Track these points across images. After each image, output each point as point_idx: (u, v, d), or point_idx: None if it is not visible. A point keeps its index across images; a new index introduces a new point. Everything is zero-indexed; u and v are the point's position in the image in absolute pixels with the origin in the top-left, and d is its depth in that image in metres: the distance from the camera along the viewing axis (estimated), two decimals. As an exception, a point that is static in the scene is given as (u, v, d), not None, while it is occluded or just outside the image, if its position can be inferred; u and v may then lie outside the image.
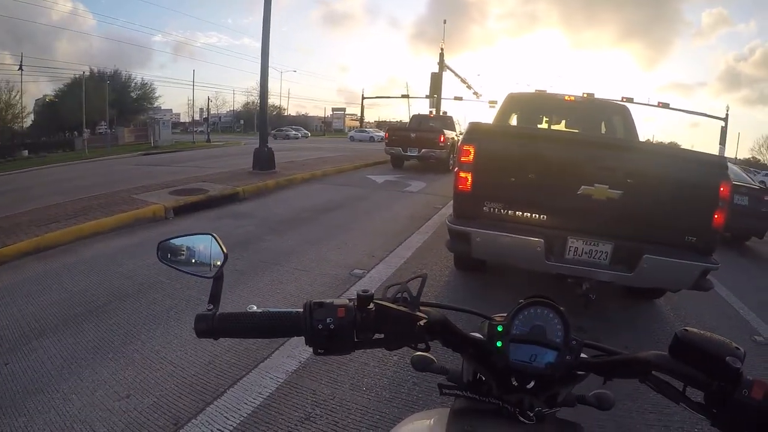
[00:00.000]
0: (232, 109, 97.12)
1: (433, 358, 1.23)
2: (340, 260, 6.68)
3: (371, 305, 1.00)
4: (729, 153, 55.53)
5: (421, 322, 1.00)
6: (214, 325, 1.06)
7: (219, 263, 1.13)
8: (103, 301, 5.17)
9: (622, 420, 3.39)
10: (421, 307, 1.06)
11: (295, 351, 3.99)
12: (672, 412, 3.42)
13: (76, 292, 5.49)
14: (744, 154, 79.61)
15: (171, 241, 1.20)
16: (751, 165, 52.35)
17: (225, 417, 3.18)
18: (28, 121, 60.18)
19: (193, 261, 1.18)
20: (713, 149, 42.43)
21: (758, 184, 12.14)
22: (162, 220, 9.21)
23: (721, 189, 4.32)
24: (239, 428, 3.09)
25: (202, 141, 47.55)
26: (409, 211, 10.51)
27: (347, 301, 1.01)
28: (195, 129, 61.28)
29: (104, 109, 50.49)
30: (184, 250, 1.19)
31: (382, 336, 1.03)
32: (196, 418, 3.17)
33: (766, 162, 66.60)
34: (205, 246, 1.16)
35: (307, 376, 3.72)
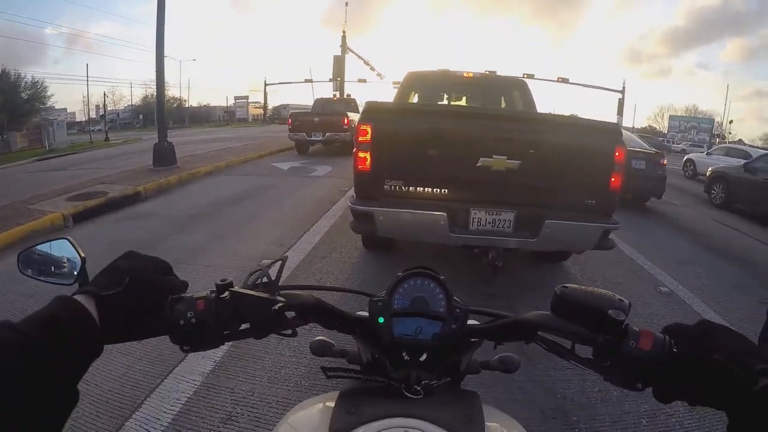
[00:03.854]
0: (130, 103, 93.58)
1: (332, 343, 1.24)
2: (249, 252, 6.59)
3: (226, 294, 0.96)
4: (627, 123, 58.57)
5: (276, 306, 0.96)
6: None
7: (76, 267, 1.08)
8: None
9: (541, 379, 3.51)
10: (286, 291, 1.04)
11: (209, 351, 3.89)
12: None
13: (-28, 315, 5.20)
14: (641, 123, 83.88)
15: (29, 250, 1.14)
16: (648, 133, 55.09)
17: (146, 430, 3.09)
18: None
19: (54, 269, 1.12)
20: (612, 120, 44.45)
21: (653, 149, 12.79)
22: (61, 229, 8.81)
23: (616, 153, 4.53)
24: (161, 438, 3.02)
25: (100, 140, 45.67)
26: (315, 196, 10.49)
27: (208, 292, 0.98)
28: (92, 128, 58.70)
29: (-8, 113, 47.83)
30: (44, 259, 1.13)
31: (248, 325, 1.00)
32: (115, 435, 3.06)
33: (661, 130, 70.33)
34: (65, 252, 1.10)
35: (223, 375, 3.66)
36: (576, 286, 0.96)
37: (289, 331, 1.01)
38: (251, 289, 0.99)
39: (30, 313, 0.73)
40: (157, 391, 3.50)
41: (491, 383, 3.34)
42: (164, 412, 3.26)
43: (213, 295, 0.97)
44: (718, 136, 60.37)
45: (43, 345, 0.66)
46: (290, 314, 1.02)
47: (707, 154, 22.44)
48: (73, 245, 1.10)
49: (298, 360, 3.83)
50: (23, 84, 62.73)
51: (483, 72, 10.57)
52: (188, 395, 3.44)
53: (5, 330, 0.66)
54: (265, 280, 1.02)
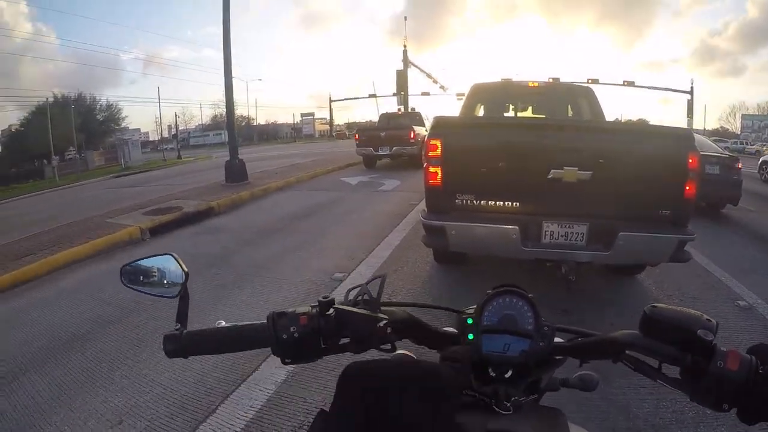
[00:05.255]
0: (200, 122, 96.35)
1: (413, 356, 1.25)
2: (320, 265, 6.66)
3: (331, 310, 1.00)
4: (697, 125, 56.10)
5: (381, 323, 1.00)
6: (183, 344, 1.06)
7: (180, 282, 1.13)
8: (87, 330, 5.11)
9: (615, 398, 3.43)
10: (384, 308, 1.07)
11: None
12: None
13: (59, 323, 5.42)
14: (713, 124, 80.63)
15: (132, 264, 1.20)
16: (719, 135, 52.85)
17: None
18: (-5, 153, 59.45)
19: (156, 282, 1.17)
20: (682, 123, 42.87)
21: (727, 153, 12.31)
22: (139, 241, 9.12)
23: (690, 160, 4.38)
24: (234, 445, 3.07)
25: (173, 158, 47.08)
26: (385, 211, 10.52)
27: (309, 308, 1.01)
28: (165, 146, 60.62)
29: (71, 134, 49.83)
30: (146, 273, 1.19)
31: (348, 340, 1.03)
32: (188, 439, 3.14)
33: (734, 131, 67.34)
34: (167, 266, 1.16)
35: (296, 384, 3.71)
36: (664, 305, 0.96)
37: (389, 346, 1.05)
38: (353, 306, 1.03)
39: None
40: (231, 397, 3.58)
41: (565, 400, 3.27)
42: (237, 418, 3.34)
43: (315, 310, 1.00)
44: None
45: None
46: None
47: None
48: (177, 260, 1.16)
49: (371, 373, 3.81)
50: (99, 106, 65.88)
51: (547, 80, 10.45)
52: (261, 403, 3.50)
53: None
54: (366, 297, 1.05)
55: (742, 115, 65.92)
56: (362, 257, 6.98)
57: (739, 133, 60.30)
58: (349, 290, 1.09)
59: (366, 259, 6.91)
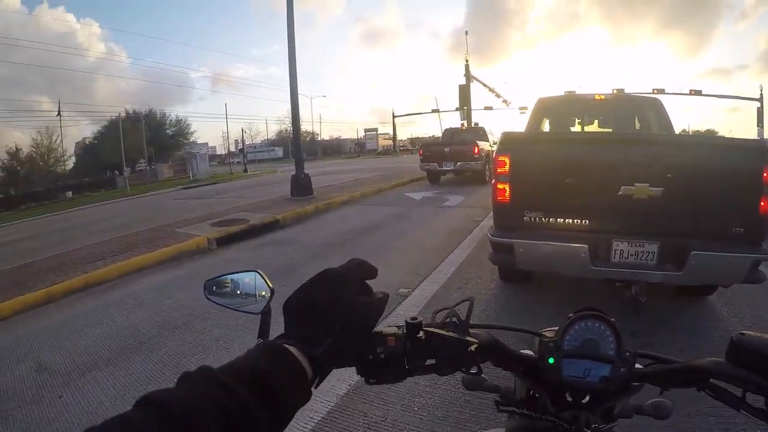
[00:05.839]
0: (266, 137, 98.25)
1: (485, 377, 1.22)
2: (385, 280, 6.59)
3: (421, 333, 0.97)
4: None
5: (473, 347, 0.98)
6: None
7: (266, 298, 1.13)
8: (153, 333, 5.28)
9: (681, 425, 3.31)
10: (471, 330, 1.04)
11: (346, 374, 3.94)
12: (732, 414, 3.33)
13: (126, 325, 5.61)
14: None
15: (217, 279, 1.21)
16: None
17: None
18: (70, 163, 62.45)
19: (240, 297, 1.17)
20: (752, 131, 41.44)
21: None
22: (206, 251, 9.33)
23: (765, 174, 4.19)
24: (294, 454, 3.09)
25: (239, 172, 48.08)
26: (449, 226, 10.44)
27: (396, 329, 0.98)
28: (232, 160, 62.03)
29: (142, 147, 51.59)
30: (230, 287, 1.19)
31: (434, 362, 1.00)
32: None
33: None
34: (251, 282, 1.16)
35: (358, 398, 3.71)
36: (753, 333, 0.91)
37: (476, 369, 1.02)
38: (441, 328, 1.01)
39: (237, 357, 0.72)
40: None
41: (629, 428, 3.18)
42: (296, 428, 3.33)
43: (402, 331, 0.98)
44: None
45: (252, 404, 0.63)
46: None
47: None
48: (263, 277, 1.15)
49: (433, 390, 3.79)
50: (168, 121, 68.72)
51: (612, 92, 10.26)
52: (322, 415, 3.52)
53: (209, 383, 0.64)
54: (454, 320, 1.02)
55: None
56: (426, 273, 6.93)
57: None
58: (436, 312, 1.06)
59: (430, 275, 6.85)
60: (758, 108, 41.89)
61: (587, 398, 1.06)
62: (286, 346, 0.77)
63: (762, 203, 4.21)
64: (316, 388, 0.81)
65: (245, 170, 49.36)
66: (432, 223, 11.07)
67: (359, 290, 0.92)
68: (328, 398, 3.70)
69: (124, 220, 14.86)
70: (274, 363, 0.72)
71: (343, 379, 3.90)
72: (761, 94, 42.12)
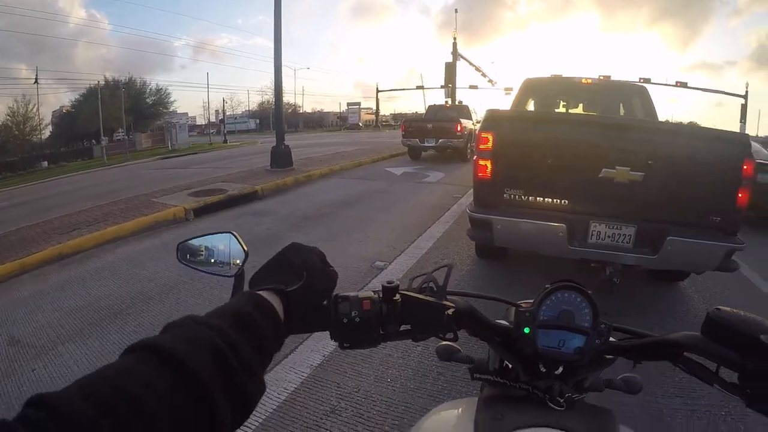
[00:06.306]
0: (247, 109, 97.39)
1: (459, 348, 1.21)
2: (362, 253, 6.67)
3: (397, 296, 0.97)
4: (750, 130, 54.59)
5: (450, 311, 0.97)
6: None
7: (239, 261, 1.11)
8: (127, 304, 5.23)
9: (648, 405, 3.35)
10: (448, 297, 1.03)
11: (319, 345, 4.01)
12: (698, 396, 3.39)
13: (100, 296, 5.56)
14: (766, 131, 78.28)
15: (190, 241, 1.18)
16: None
17: (252, 414, 3.17)
18: (47, 132, 61.07)
19: (213, 261, 1.16)
20: (734, 127, 41.82)
21: None
22: (182, 221, 9.27)
23: (744, 167, 4.25)
24: (265, 424, 3.11)
25: (218, 142, 47.65)
26: (428, 202, 10.48)
27: (372, 293, 0.98)
28: (211, 131, 61.48)
29: (121, 116, 50.82)
30: (203, 250, 1.17)
31: (409, 327, 1.00)
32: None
33: None
34: (225, 245, 1.14)
35: (331, 369, 3.73)
36: (729, 309, 0.92)
37: (452, 335, 1.02)
38: (418, 293, 1.00)
39: (216, 307, 0.75)
40: (265, 378, 3.57)
41: (597, 403, 3.22)
42: (270, 399, 3.36)
43: (378, 296, 0.97)
44: None
45: (240, 344, 0.66)
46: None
47: None
48: (237, 239, 1.14)
49: (406, 362, 3.82)
50: (148, 90, 67.28)
51: (598, 77, 10.28)
52: (295, 385, 3.54)
53: (198, 326, 0.66)
54: (431, 285, 1.02)
55: (799, 124, 64.11)
56: (404, 247, 6.95)
57: (794, 142, 58.59)
58: (413, 278, 1.06)
59: (407, 249, 6.88)
60: (742, 104, 42.05)
61: (560, 370, 1.06)
62: (260, 293, 0.81)
63: (740, 195, 4.27)
64: (286, 336, 0.84)
65: (225, 141, 48.85)
66: (411, 198, 11.09)
67: (320, 260, 0.98)
68: (302, 369, 3.72)
69: (101, 189, 14.65)
70: (253, 306, 0.76)
71: (316, 350, 3.93)
72: (747, 91, 42.24)
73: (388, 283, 0.97)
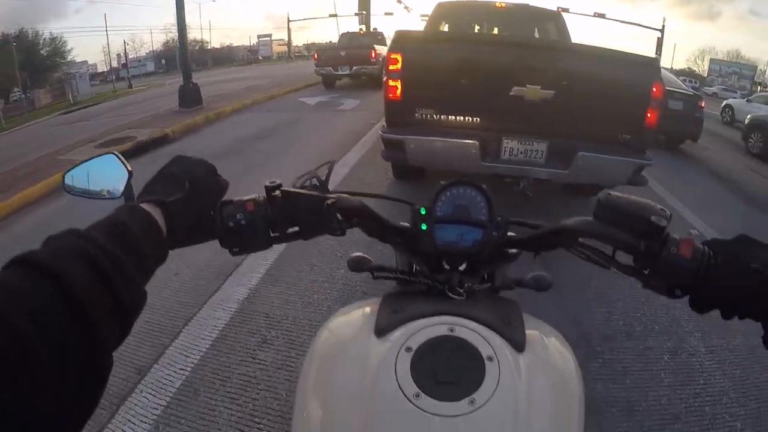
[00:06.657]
0: (152, 50, 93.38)
1: (370, 259, 1.24)
2: (277, 184, 6.58)
3: (278, 192, 0.97)
4: (665, 63, 55.82)
5: (329, 202, 0.98)
6: None
7: (124, 180, 1.08)
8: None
9: (567, 309, 3.53)
10: (335, 193, 1.05)
11: (244, 279, 4.00)
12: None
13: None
14: (681, 64, 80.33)
15: (73, 170, 1.13)
16: (686, 75, 52.77)
17: (185, 356, 3.19)
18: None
19: (100, 186, 1.12)
20: (649, 58, 42.95)
21: (692, 91, 12.42)
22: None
23: (654, 89, 4.43)
24: (200, 363, 3.11)
25: (124, 88, 45.65)
26: (344, 130, 10.47)
27: (256, 195, 0.98)
28: (113, 77, 58.91)
29: (14, 73, 47.61)
30: (88, 176, 1.12)
31: (297, 229, 1.01)
32: (157, 362, 3.15)
33: (701, 73, 67.33)
34: (110, 167, 1.10)
35: (258, 301, 3.76)
36: (619, 193, 0.95)
37: (339, 231, 1.03)
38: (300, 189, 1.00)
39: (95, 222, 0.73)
40: (194, 319, 3.60)
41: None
42: (202, 338, 3.37)
43: (261, 197, 0.97)
44: (760, 84, 56.77)
45: (115, 253, 0.65)
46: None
47: (747, 101, 20.83)
48: (120, 159, 1.10)
49: (332, 285, 3.90)
50: (42, 41, 62.14)
51: (515, 2, 10.32)
52: (225, 322, 3.54)
53: (76, 239, 0.65)
54: (314, 182, 1.04)
55: (711, 59, 65.07)
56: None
57: (705, 76, 60.03)
58: (298, 177, 1.06)
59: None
60: (658, 38, 43.15)
61: (464, 266, 1.10)
62: (140, 205, 0.80)
63: (648, 115, 4.49)
64: (172, 249, 0.84)
65: (130, 86, 46.71)
66: (326, 127, 11.05)
67: (206, 171, 0.97)
68: (229, 304, 3.73)
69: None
70: (129, 216, 0.75)
71: (241, 284, 3.93)
72: (663, 26, 43.42)
73: (271, 182, 0.98)
